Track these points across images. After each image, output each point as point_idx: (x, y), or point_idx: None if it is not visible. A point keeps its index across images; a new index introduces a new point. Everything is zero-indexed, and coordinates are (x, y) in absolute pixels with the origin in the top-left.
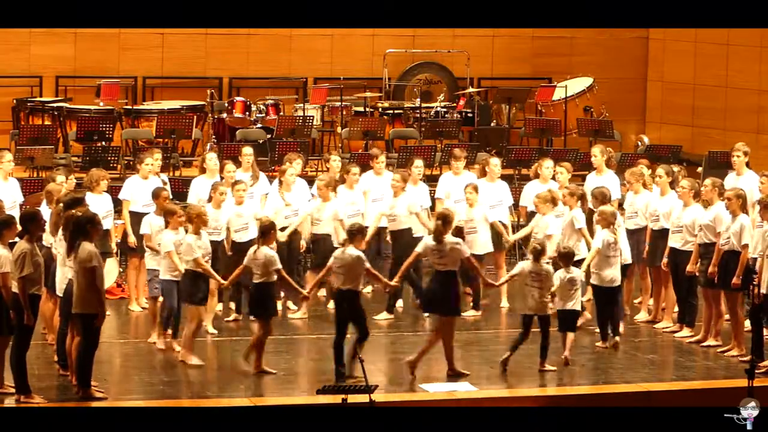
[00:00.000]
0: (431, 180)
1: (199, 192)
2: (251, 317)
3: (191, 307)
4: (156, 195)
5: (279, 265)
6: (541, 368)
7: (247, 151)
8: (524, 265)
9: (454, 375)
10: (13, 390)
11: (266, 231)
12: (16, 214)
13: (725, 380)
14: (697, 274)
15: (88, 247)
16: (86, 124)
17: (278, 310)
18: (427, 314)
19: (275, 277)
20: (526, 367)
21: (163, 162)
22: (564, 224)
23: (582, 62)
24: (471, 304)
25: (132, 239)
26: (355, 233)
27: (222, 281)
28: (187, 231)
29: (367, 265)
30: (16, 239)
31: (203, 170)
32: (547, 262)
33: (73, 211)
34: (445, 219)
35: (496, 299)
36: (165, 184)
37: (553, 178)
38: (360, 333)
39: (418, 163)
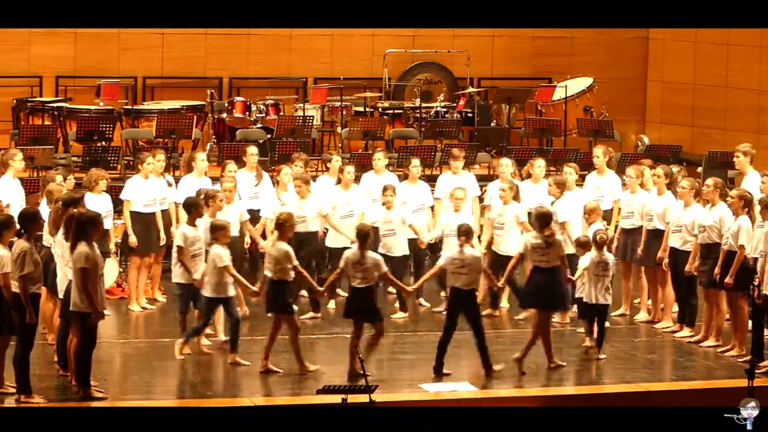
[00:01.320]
0: (432, 180)
1: (187, 191)
2: (268, 314)
3: (284, 315)
4: (206, 202)
5: (295, 262)
6: (598, 357)
7: (252, 150)
8: (591, 256)
9: (555, 367)
10: (13, 390)
11: (282, 226)
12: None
13: (725, 380)
14: (695, 273)
15: (81, 248)
16: (86, 124)
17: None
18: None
19: (291, 274)
20: (526, 366)
21: (165, 162)
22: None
23: (582, 62)
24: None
25: (133, 239)
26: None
27: (253, 288)
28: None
29: (386, 268)
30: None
31: (189, 169)
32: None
33: (74, 210)
34: (542, 218)
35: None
36: (170, 185)
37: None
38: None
39: (416, 162)
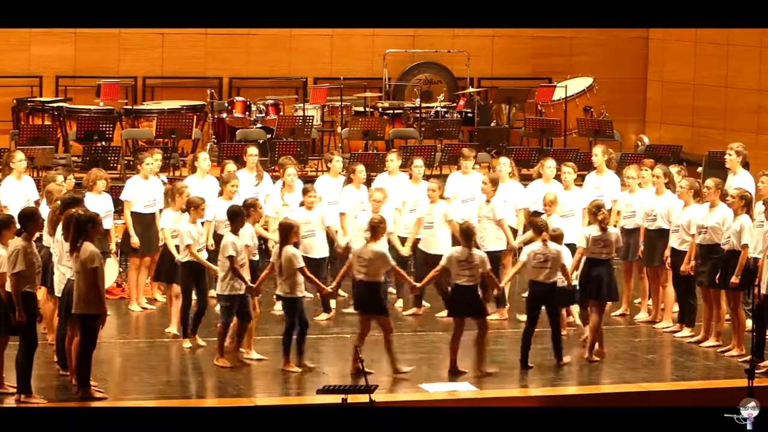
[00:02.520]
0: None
1: (191, 192)
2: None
3: (378, 317)
4: (248, 211)
5: (393, 263)
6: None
7: (252, 151)
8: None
9: (600, 359)
10: (13, 390)
11: (375, 228)
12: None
13: (725, 380)
14: (692, 273)
15: (90, 247)
16: (86, 124)
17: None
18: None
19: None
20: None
21: (162, 162)
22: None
23: (582, 62)
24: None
25: (135, 240)
26: (376, 227)
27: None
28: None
29: (393, 262)
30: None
31: (194, 169)
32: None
33: (73, 210)
34: (597, 213)
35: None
36: (165, 184)
37: (558, 178)
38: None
39: (418, 162)
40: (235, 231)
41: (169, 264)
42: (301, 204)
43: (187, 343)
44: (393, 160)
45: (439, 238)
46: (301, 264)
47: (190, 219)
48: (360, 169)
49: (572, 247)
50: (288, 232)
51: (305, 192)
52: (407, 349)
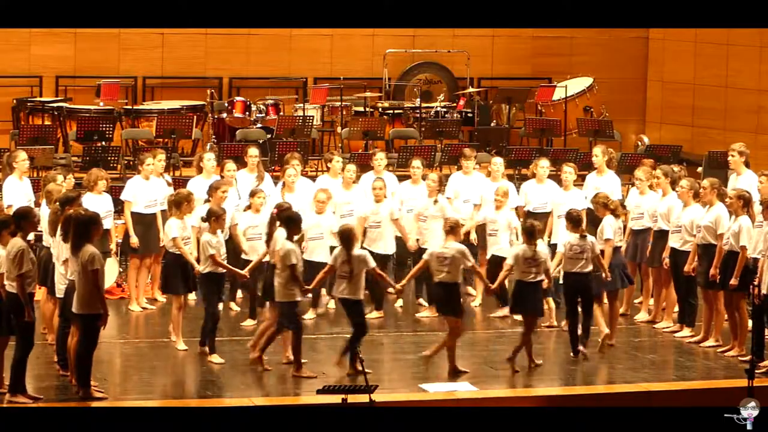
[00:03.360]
0: None
1: (196, 192)
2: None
3: (452, 318)
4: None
5: (472, 260)
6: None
7: (253, 152)
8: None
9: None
10: None
11: (454, 228)
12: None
13: (725, 380)
14: (693, 274)
15: (90, 249)
16: (86, 124)
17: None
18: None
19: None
20: (525, 366)
21: (165, 162)
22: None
23: (582, 62)
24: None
25: (134, 240)
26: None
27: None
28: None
29: (373, 264)
30: None
31: (200, 170)
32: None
33: (72, 210)
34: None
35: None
36: (170, 185)
37: (557, 178)
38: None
39: (416, 163)
40: (290, 237)
41: (180, 274)
42: (247, 207)
43: (216, 359)
44: (381, 159)
45: (386, 237)
46: (374, 264)
47: (210, 229)
48: (350, 168)
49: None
50: (350, 236)
51: (253, 194)
52: (407, 349)
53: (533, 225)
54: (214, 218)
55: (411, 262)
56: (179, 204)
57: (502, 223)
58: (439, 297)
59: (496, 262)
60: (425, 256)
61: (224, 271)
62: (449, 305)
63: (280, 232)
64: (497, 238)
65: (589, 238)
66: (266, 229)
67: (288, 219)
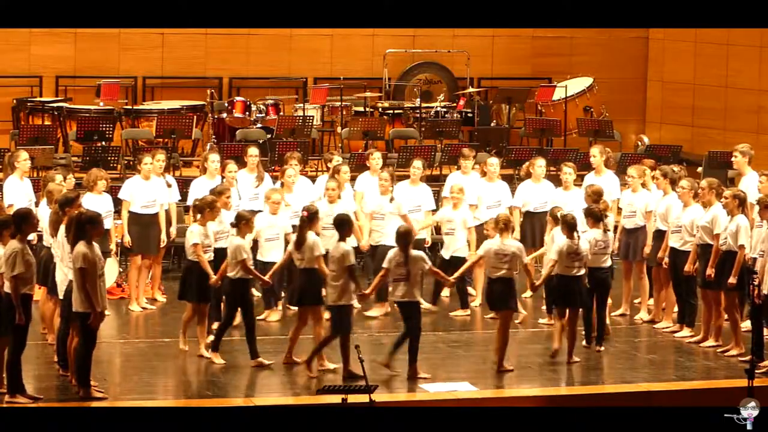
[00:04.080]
0: (431, 180)
1: (199, 193)
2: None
3: (506, 312)
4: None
5: (527, 257)
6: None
7: (253, 152)
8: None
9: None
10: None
11: (507, 224)
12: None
13: (725, 380)
14: (694, 274)
15: (80, 248)
16: (86, 124)
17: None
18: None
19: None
20: (525, 366)
21: (165, 162)
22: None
23: (582, 62)
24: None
25: (127, 239)
26: (508, 222)
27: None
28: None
29: (429, 264)
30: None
31: (205, 170)
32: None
33: (74, 210)
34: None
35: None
36: (170, 186)
37: (556, 178)
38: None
39: (417, 164)
40: (343, 239)
41: (200, 282)
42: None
43: (219, 359)
44: (377, 158)
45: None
46: (430, 264)
47: (240, 233)
48: (345, 170)
49: None
50: (408, 237)
51: (267, 197)
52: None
53: (572, 217)
54: (244, 222)
55: (362, 263)
56: (202, 210)
57: (458, 221)
58: (498, 292)
59: (455, 263)
60: (480, 252)
61: (250, 277)
62: (507, 300)
63: (313, 235)
64: (454, 237)
65: (610, 234)
66: (296, 232)
67: (341, 222)
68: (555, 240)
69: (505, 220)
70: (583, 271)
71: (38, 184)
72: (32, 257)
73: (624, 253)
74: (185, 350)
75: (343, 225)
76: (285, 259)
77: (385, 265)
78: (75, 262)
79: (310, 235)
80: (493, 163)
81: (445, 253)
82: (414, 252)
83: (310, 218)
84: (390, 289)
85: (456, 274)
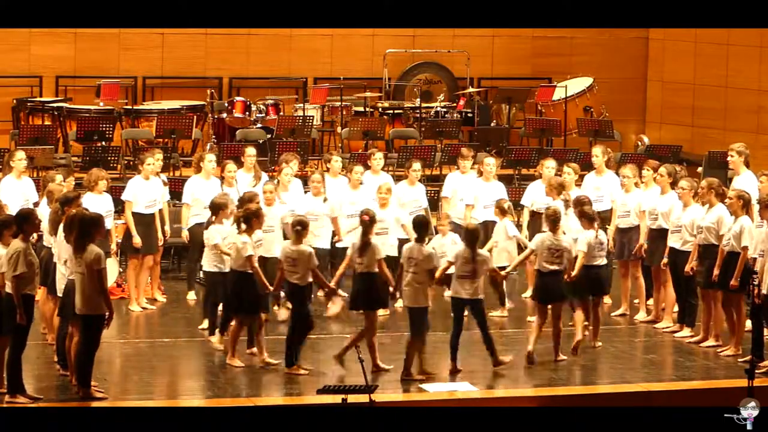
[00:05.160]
0: (432, 180)
1: (194, 192)
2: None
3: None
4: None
5: (437, 263)
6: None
7: (251, 151)
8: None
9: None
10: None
11: (555, 221)
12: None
13: (725, 380)
14: (692, 273)
15: (95, 249)
16: (86, 124)
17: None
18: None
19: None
20: (525, 366)
21: (163, 162)
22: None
23: (582, 62)
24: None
25: (137, 240)
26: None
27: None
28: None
29: (492, 264)
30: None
31: (199, 169)
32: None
33: (75, 211)
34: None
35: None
36: (165, 184)
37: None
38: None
39: (416, 166)
40: (422, 240)
41: (253, 293)
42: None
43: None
44: (380, 158)
45: (275, 241)
46: (493, 265)
47: (247, 230)
48: (357, 170)
49: None
50: (476, 236)
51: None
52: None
53: (555, 211)
54: (255, 218)
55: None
56: (249, 220)
57: (390, 220)
58: (551, 285)
59: (390, 264)
60: (532, 246)
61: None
62: (560, 293)
63: (379, 239)
64: (387, 237)
65: (602, 234)
66: (360, 238)
67: (420, 224)
68: (501, 232)
69: (555, 215)
70: (562, 267)
71: (38, 184)
72: (35, 257)
73: (619, 252)
74: (242, 365)
75: (422, 226)
76: (345, 266)
77: (451, 259)
78: (94, 264)
79: (372, 239)
80: (490, 162)
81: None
82: (481, 252)
83: (371, 222)
84: (452, 285)
85: (508, 268)
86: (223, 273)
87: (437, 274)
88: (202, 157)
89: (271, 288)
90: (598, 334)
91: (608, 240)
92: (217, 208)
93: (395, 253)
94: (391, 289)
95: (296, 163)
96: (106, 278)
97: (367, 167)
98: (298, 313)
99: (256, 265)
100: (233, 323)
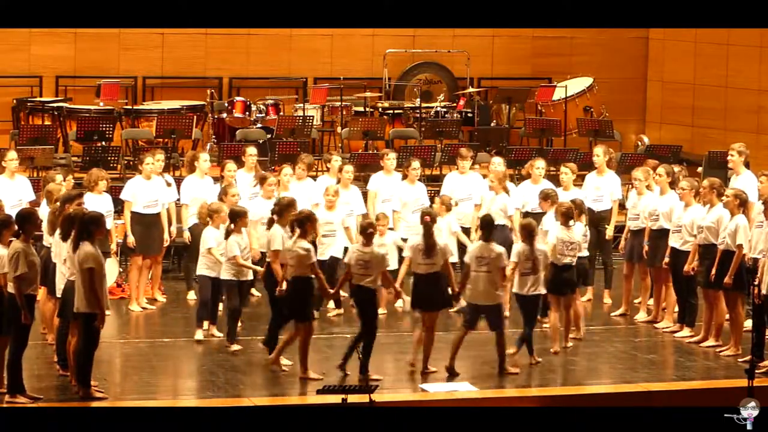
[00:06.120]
0: (432, 180)
1: (192, 191)
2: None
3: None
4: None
5: (506, 262)
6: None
7: (251, 151)
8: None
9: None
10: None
11: (302, 222)
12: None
13: (725, 380)
14: (693, 273)
15: (86, 248)
16: (86, 124)
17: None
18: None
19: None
20: (525, 366)
21: (164, 162)
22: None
23: (582, 62)
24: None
25: (131, 239)
26: None
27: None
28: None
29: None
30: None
31: (192, 169)
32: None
33: (73, 209)
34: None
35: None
36: (169, 185)
37: (555, 178)
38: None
39: (416, 164)
40: (488, 240)
41: (303, 299)
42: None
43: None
44: (392, 158)
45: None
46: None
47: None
48: (348, 169)
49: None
50: (533, 231)
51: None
52: (407, 349)
53: (570, 206)
54: (309, 222)
55: None
56: (303, 224)
57: (338, 222)
58: (564, 278)
59: (333, 264)
60: (552, 241)
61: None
62: (573, 284)
63: (327, 240)
64: (334, 239)
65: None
66: (425, 239)
67: (488, 224)
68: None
69: (569, 210)
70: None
71: (38, 184)
72: (36, 257)
73: (629, 254)
74: (285, 369)
75: (490, 226)
76: (405, 271)
77: (514, 259)
78: (83, 263)
79: (439, 240)
80: (540, 166)
81: (325, 254)
82: (539, 245)
83: (432, 222)
84: (516, 282)
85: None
86: (211, 278)
87: (508, 274)
88: (195, 157)
89: (332, 291)
90: (568, 337)
91: (585, 234)
92: (212, 213)
93: (340, 255)
94: (456, 289)
95: (305, 166)
96: (98, 278)
97: (378, 168)
98: (369, 319)
99: (318, 270)
100: (286, 329)
